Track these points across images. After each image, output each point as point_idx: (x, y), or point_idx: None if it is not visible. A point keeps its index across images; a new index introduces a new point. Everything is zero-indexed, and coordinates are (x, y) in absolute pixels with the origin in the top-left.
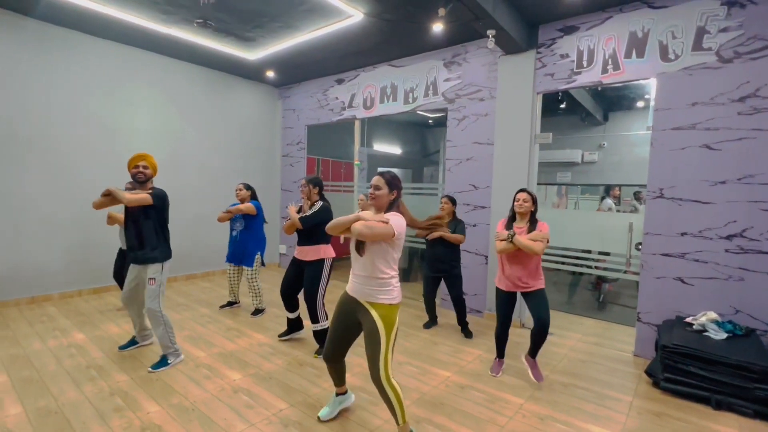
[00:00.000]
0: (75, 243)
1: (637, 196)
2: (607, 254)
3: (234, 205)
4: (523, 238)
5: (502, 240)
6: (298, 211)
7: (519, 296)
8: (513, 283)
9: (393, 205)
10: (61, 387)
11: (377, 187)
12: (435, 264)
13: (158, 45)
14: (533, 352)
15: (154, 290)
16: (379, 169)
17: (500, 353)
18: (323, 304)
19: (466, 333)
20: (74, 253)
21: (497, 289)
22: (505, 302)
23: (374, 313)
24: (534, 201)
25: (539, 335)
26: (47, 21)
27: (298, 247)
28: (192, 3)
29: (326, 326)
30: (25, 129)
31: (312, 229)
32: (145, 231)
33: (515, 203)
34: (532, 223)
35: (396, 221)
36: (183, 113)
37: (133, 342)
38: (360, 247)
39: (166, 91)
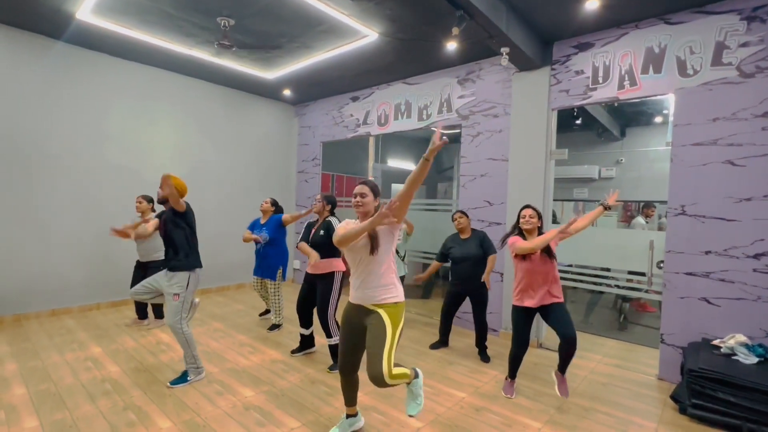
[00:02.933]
0: (96, 257)
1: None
2: (642, 274)
3: (256, 225)
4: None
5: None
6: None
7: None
8: (531, 298)
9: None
10: (76, 401)
11: (363, 195)
12: (462, 282)
13: (180, 65)
14: (562, 368)
15: (177, 306)
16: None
17: (512, 374)
18: (335, 319)
19: (484, 357)
20: (95, 267)
21: (514, 308)
22: (523, 320)
23: (381, 311)
24: (539, 217)
25: (567, 351)
26: (76, 44)
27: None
28: (213, 25)
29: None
30: (53, 147)
31: (322, 245)
32: (177, 239)
33: (521, 220)
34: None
35: None
36: (203, 131)
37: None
38: (375, 247)
39: (186, 110)
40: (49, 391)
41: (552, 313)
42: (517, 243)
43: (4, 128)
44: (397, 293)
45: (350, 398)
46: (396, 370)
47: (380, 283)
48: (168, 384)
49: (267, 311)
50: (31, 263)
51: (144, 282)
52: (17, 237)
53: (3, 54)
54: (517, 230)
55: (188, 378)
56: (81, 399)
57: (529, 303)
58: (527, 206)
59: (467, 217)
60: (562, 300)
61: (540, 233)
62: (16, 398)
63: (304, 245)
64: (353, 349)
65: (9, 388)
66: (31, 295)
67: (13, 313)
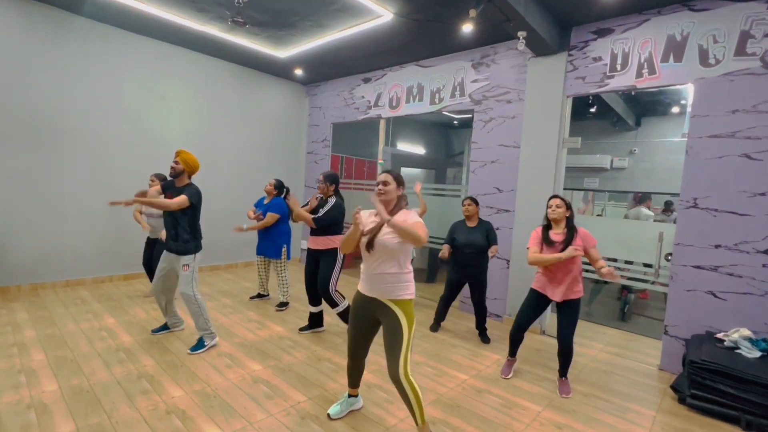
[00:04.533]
0: (108, 231)
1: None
2: (650, 266)
3: (260, 204)
4: (604, 266)
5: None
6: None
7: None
8: (546, 288)
9: (401, 201)
10: (92, 367)
11: (386, 183)
12: (463, 269)
13: (192, 42)
14: (560, 371)
15: (188, 276)
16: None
17: (512, 351)
18: (336, 290)
19: (484, 338)
20: (107, 241)
21: (532, 289)
22: (533, 302)
23: (397, 310)
24: (568, 206)
25: (561, 355)
26: (92, 18)
27: (311, 237)
28: (227, 1)
29: (347, 305)
30: (68, 121)
31: (323, 223)
32: (181, 225)
33: (548, 210)
34: (570, 229)
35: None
36: (213, 108)
37: (164, 327)
38: (371, 245)
39: (198, 87)
40: (67, 357)
41: (561, 313)
42: (530, 251)
43: (21, 101)
44: (412, 289)
45: (354, 381)
46: (412, 379)
47: (397, 279)
48: (188, 351)
49: (259, 295)
50: (47, 234)
51: (156, 275)
52: (33, 208)
53: (20, 27)
54: (545, 220)
55: (205, 343)
56: (97, 366)
57: (542, 291)
58: (555, 196)
59: (477, 204)
60: (576, 297)
61: (569, 224)
62: (36, 363)
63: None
64: (362, 338)
65: (29, 354)
66: (46, 265)
67: (30, 283)
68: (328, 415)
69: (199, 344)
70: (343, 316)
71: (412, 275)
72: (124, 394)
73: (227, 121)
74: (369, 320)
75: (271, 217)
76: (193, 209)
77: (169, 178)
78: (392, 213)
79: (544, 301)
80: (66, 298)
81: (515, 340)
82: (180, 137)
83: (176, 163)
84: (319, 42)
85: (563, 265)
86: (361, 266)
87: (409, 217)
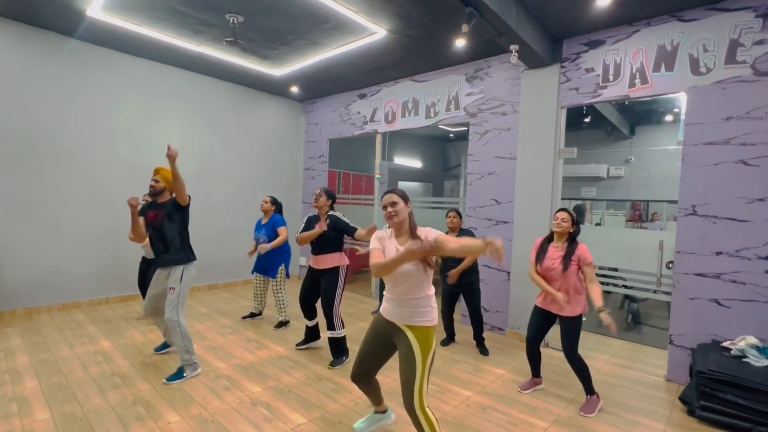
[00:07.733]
0: (105, 252)
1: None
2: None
3: (258, 228)
4: (595, 294)
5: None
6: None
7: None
8: (543, 299)
9: (412, 218)
10: (86, 393)
11: (394, 203)
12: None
13: (189, 62)
14: (584, 388)
15: (173, 299)
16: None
17: (534, 371)
18: (339, 311)
19: (482, 350)
20: (104, 262)
21: (535, 306)
22: (535, 316)
23: (411, 336)
24: (574, 222)
25: (572, 367)
26: (88, 41)
27: (313, 256)
28: (222, 22)
29: (342, 334)
30: (65, 142)
31: (326, 239)
32: (168, 235)
33: (554, 222)
34: (570, 243)
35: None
36: (211, 127)
37: (165, 345)
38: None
39: (194, 106)
40: (60, 384)
41: (561, 329)
42: (531, 264)
43: (17, 123)
44: (433, 316)
45: (374, 399)
46: (429, 412)
47: (418, 304)
48: (164, 381)
49: (251, 314)
50: (42, 257)
51: (148, 296)
52: (29, 231)
53: (16, 50)
54: (550, 231)
55: (184, 374)
56: (91, 392)
57: (543, 306)
58: (563, 209)
59: (460, 218)
60: (573, 315)
61: (571, 238)
62: (28, 391)
63: (304, 235)
64: (373, 359)
65: (21, 381)
66: (41, 288)
67: (24, 307)
68: (354, 429)
69: (178, 374)
70: (335, 343)
71: (433, 300)
72: (118, 421)
73: (224, 140)
74: (384, 343)
75: (283, 231)
76: (181, 216)
77: (149, 198)
78: (409, 233)
79: (547, 316)
80: (61, 321)
81: (530, 355)
82: (178, 157)
83: (156, 181)
84: (314, 60)
85: (552, 276)
86: (385, 291)
87: (429, 235)
